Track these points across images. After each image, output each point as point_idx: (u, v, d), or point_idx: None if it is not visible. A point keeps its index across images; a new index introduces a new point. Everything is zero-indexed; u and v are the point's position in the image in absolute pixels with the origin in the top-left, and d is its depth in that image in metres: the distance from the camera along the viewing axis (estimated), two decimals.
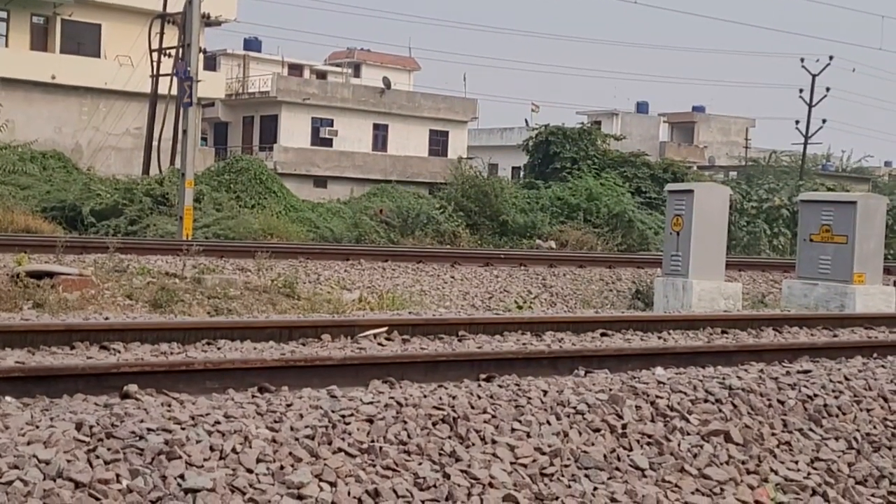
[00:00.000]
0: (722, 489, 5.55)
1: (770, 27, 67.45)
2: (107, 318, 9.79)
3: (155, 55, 33.73)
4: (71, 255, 14.35)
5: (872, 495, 5.91)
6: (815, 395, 6.77)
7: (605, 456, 5.54)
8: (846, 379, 7.19)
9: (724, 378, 6.83)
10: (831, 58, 39.61)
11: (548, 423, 5.69)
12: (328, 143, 49.08)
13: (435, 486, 4.89)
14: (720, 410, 6.31)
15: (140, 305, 12.26)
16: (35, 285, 11.89)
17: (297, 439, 4.97)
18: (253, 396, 5.90)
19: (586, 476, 5.35)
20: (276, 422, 5.12)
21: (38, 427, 4.75)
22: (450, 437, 5.33)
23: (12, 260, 13.12)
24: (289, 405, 5.45)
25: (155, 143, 33.02)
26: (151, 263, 14.56)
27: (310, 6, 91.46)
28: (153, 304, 12.31)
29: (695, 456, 5.76)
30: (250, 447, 4.81)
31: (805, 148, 49.64)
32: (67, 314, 10.62)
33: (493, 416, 5.63)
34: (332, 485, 4.72)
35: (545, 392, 6.09)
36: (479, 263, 19.14)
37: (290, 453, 4.85)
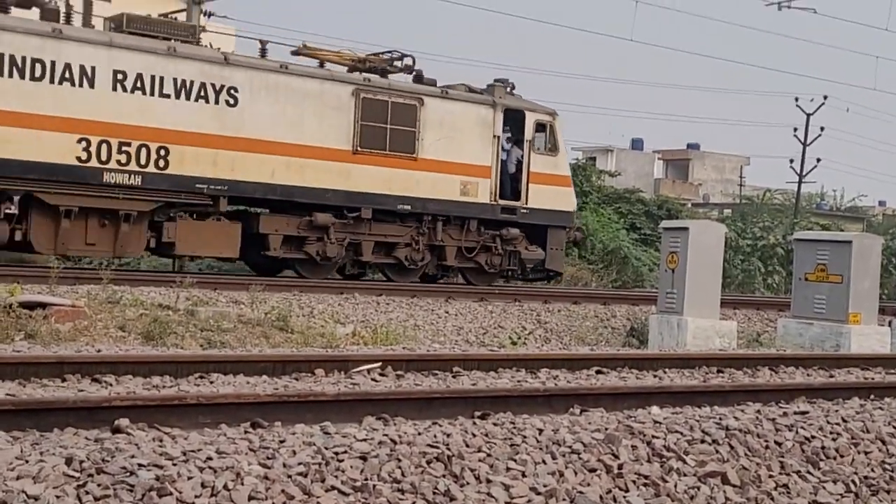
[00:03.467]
0: None
1: (765, 66, 68.12)
2: (99, 351, 9.73)
3: None
4: (64, 285, 14.28)
5: None
6: (813, 437, 6.72)
7: (601, 497, 5.48)
8: (844, 421, 7.14)
9: (720, 418, 6.78)
10: (826, 97, 39.80)
11: (543, 462, 5.64)
12: None
13: None
14: (717, 451, 6.25)
15: (133, 337, 12.19)
16: (27, 316, 11.81)
17: (289, 476, 4.91)
18: (246, 432, 5.84)
19: None
20: (268, 458, 5.05)
21: (27, 462, 4.68)
22: (444, 476, 5.27)
23: (5, 290, 13.04)
24: (282, 441, 5.39)
25: None
26: (145, 295, 14.49)
27: None
28: (146, 337, 12.23)
29: (692, 498, 5.70)
30: (242, 484, 4.75)
31: (799, 186, 49.78)
32: (59, 345, 10.54)
33: (488, 455, 5.57)
34: None
35: (540, 430, 6.03)
36: (473, 298, 19.09)
37: (283, 491, 4.79)
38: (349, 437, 5.47)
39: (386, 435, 5.54)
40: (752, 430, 6.59)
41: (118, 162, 17.27)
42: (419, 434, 5.67)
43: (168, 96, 17.75)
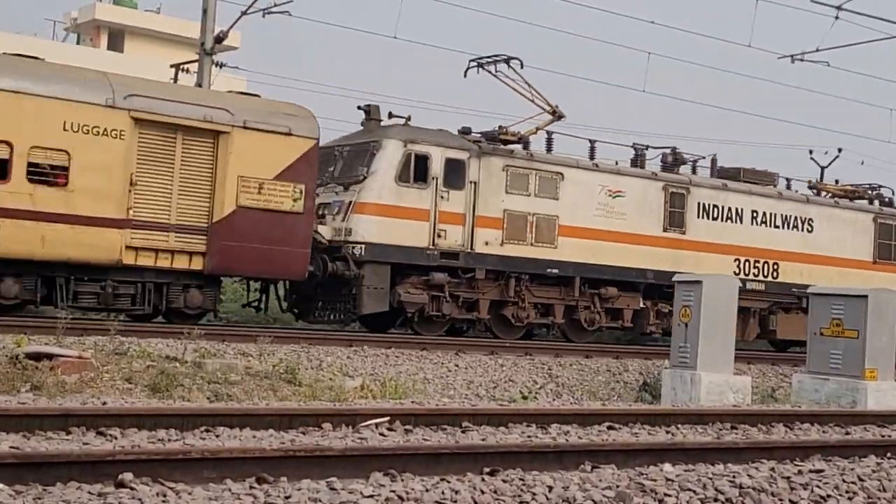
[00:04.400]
0: None
1: (779, 118, 68.33)
2: (104, 403, 9.66)
3: None
4: (71, 336, 14.24)
5: None
6: (829, 496, 6.59)
7: None
8: (860, 479, 7.01)
9: (734, 476, 6.67)
10: (840, 150, 39.77)
11: None
12: None
13: None
14: None
15: (139, 389, 12.11)
16: (34, 367, 11.76)
17: None
18: (251, 487, 5.75)
19: None
20: None
21: None
22: None
23: (12, 341, 13.01)
24: (287, 497, 5.30)
25: None
26: (152, 346, 14.44)
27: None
28: (152, 389, 12.16)
29: None
30: None
31: None
32: (65, 397, 10.48)
33: None
34: None
35: (550, 488, 5.93)
36: (483, 352, 18.97)
37: None
38: (356, 494, 5.38)
39: (393, 491, 5.45)
40: (766, 488, 6.47)
41: (752, 274, 24.63)
42: (427, 490, 5.57)
43: (778, 227, 25.29)
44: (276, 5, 24.67)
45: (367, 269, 19.79)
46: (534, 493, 5.78)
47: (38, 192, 16.57)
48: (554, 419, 9.99)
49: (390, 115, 21.51)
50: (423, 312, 20.42)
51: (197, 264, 17.93)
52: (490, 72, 22.07)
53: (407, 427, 8.98)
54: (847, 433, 11.06)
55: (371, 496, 5.34)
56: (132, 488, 5.62)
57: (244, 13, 24.93)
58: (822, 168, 33.44)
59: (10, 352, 12.21)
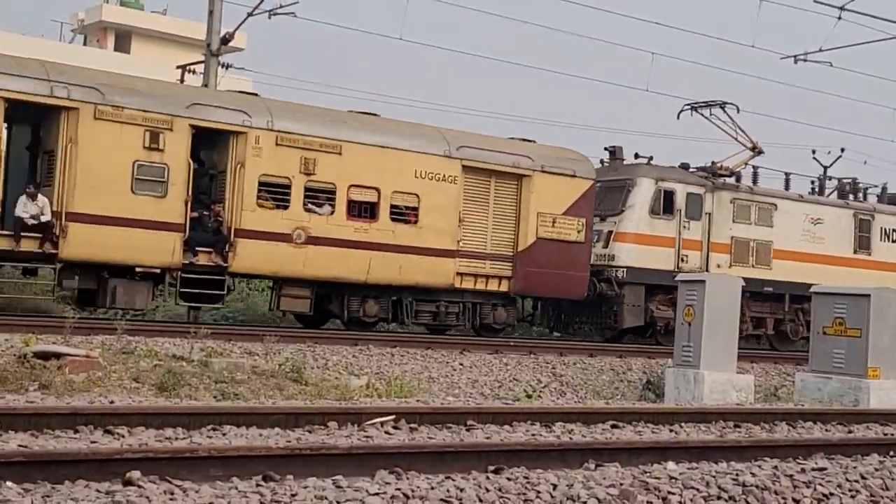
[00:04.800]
0: None
1: (782, 117, 68.23)
2: (112, 402, 9.71)
3: None
4: (79, 335, 14.30)
5: None
6: (831, 494, 6.63)
7: None
8: (862, 478, 7.05)
9: (737, 474, 6.71)
10: (843, 150, 39.76)
11: None
12: None
13: None
14: None
15: (146, 388, 12.16)
16: (42, 366, 11.81)
17: None
18: (257, 485, 5.80)
19: None
20: None
21: None
22: None
23: (20, 340, 13.07)
24: (293, 495, 5.35)
25: None
26: (159, 346, 14.49)
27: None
28: (159, 388, 12.21)
29: None
30: None
31: None
32: (73, 396, 10.53)
33: None
34: None
35: (555, 486, 5.97)
36: (488, 351, 19.02)
37: None
38: (361, 491, 5.42)
39: (398, 489, 5.50)
40: (769, 486, 6.51)
41: None
42: (432, 488, 5.61)
43: None
44: (281, 6, 24.76)
45: (626, 289, 23.47)
46: (538, 492, 5.82)
47: (398, 229, 20.30)
48: (558, 418, 10.03)
49: (636, 156, 24.96)
50: (668, 325, 23.00)
51: (504, 287, 21.73)
52: (704, 115, 25.56)
53: (412, 426, 9.02)
54: (850, 432, 11.08)
55: (377, 494, 5.39)
56: (140, 486, 5.67)
57: (250, 14, 25.00)
58: (825, 168, 33.41)
59: (19, 351, 12.26)
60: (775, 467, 7.19)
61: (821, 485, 6.73)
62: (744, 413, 11.52)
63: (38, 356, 12.03)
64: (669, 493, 6.12)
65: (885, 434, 10.94)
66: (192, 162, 18.31)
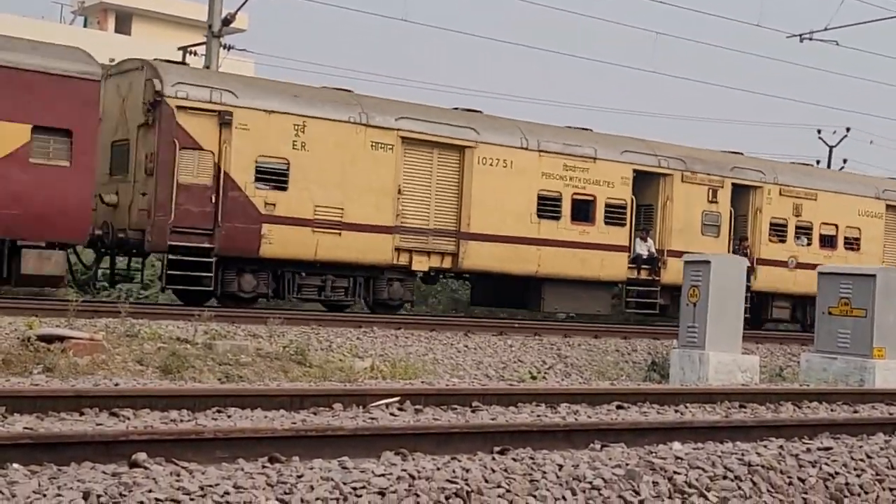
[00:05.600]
0: None
1: (787, 97, 68.22)
2: (116, 385, 9.72)
3: None
4: (83, 318, 14.30)
5: None
6: (837, 473, 6.63)
7: None
8: (868, 457, 7.05)
9: (743, 454, 6.70)
10: (848, 129, 39.68)
11: (563, 498, 5.57)
12: None
13: None
14: (739, 488, 6.17)
15: (150, 371, 12.18)
16: (46, 349, 11.82)
17: None
18: (263, 467, 5.80)
19: None
20: (286, 493, 5.01)
21: (45, 496, 4.66)
22: None
23: (24, 324, 13.07)
24: (299, 476, 5.35)
25: None
26: (163, 328, 14.48)
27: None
28: (164, 370, 12.22)
29: None
30: None
31: None
32: (77, 379, 10.54)
33: (508, 491, 5.51)
34: None
35: (560, 466, 5.97)
36: (492, 332, 19.00)
37: None
38: (367, 473, 5.42)
39: (404, 470, 5.49)
40: (774, 466, 6.50)
41: None
42: (438, 469, 5.61)
43: None
44: None
45: None
46: (544, 472, 5.82)
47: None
48: (563, 398, 10.03)
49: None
50: None
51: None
52: None
53: (417, 407, 9.02)
54: (855, 411, 11.08)
55: (382, 475, 5.38)
56: (146, 468, 5.67)
57: None
58: (831, 147, 33.33)
59: (23, 334, 12.27)
60: (781, 447, 7.18)
61: (826, 464, 6.73)
62: (749, 393, 11.52)
63: (42, 339, 12.04)
64: (675, 473, 6.11)
65: (891, 413, 10.93)
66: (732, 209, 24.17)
